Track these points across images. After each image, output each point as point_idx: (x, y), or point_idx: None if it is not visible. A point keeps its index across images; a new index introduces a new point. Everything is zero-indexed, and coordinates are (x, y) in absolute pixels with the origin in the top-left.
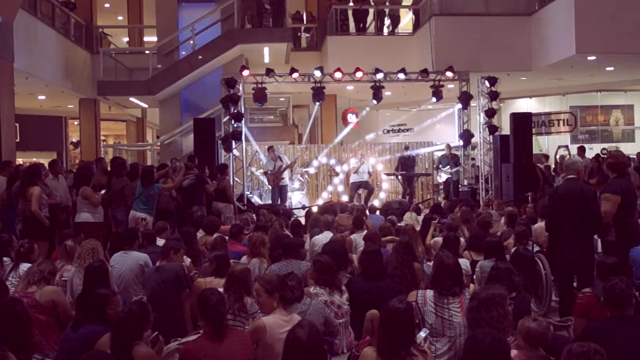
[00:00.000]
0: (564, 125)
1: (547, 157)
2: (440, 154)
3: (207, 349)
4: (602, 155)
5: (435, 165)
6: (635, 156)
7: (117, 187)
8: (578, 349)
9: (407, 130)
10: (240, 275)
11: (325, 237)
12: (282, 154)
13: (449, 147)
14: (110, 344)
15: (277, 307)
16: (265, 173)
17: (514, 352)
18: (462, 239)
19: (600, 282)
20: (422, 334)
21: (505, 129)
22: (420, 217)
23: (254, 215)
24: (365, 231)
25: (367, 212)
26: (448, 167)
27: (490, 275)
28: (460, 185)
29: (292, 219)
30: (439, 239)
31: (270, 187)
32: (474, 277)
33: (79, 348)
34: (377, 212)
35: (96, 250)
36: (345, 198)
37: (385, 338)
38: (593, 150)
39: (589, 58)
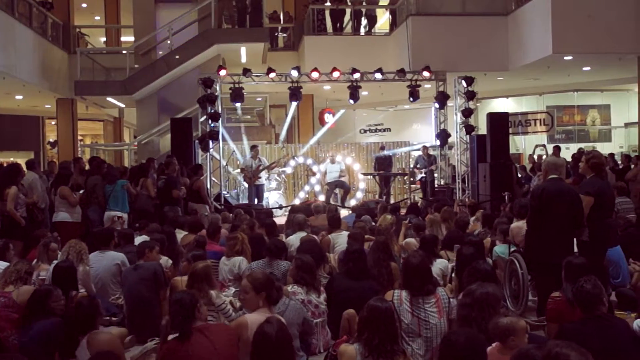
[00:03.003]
0: (540, 125)
1: (531, 156)
2: (418, 153)
3: (177, 350)
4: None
5: (412, 165)
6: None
7: (89, 186)
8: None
9: (384, 130)
10: (202, 272)
11: (297, 237)
12: (260, 154)
13: (425, 148)
14: (61, 338)
15: (262, 306)
16: (242, 170)
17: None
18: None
19: (569, 284)
20: None
21: (482, 129)
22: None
23: (231, 214)
24: (344, 231)
25: (349, 211)
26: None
27: (468, 273)
28: (437, 185)
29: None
30: (411, 240)
31: (246, 186)
32: (452, 275)
33: (35, 346)
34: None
35: (84, 252)
36: (322, 198)
37: (377, 335)
38: (570, 150)
39: (566, 58)
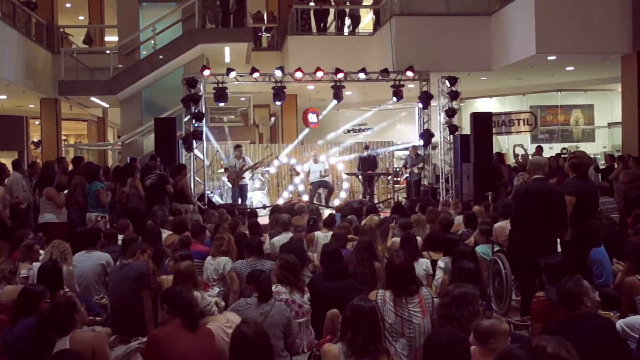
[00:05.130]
0: (524, 124)
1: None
2: (404, 153)
3: (177, 337)
4: (562, 155)
5: (402, 165)
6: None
7: (72, 186)
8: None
9: (368, 129)
10: (186, 271)
11: (284, 237)
12: (244, 154)
13: (414, 147)
14: (35, 336)
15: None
16: (226, 169)
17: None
18: (419, 238)
19: (551, 285)
20: None
21: (466, 129)
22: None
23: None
24: (331, 232)
25: (333, 211)
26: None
27: (453, 273)
28: (422, 185)
29: (252, 219)
30: (397, 240)
31: (230, 186)
32: (436, 274)
33: (17, 344)
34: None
35: (68, 252)
36: (305, 198)
37: (360, 335)
38: (553, 149)
39: (549, 58)
